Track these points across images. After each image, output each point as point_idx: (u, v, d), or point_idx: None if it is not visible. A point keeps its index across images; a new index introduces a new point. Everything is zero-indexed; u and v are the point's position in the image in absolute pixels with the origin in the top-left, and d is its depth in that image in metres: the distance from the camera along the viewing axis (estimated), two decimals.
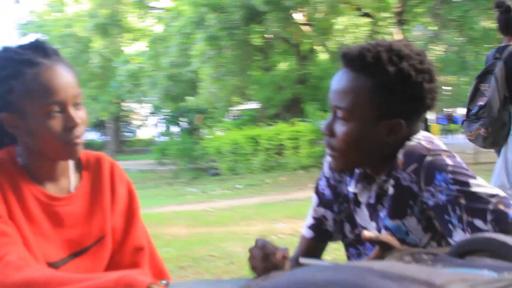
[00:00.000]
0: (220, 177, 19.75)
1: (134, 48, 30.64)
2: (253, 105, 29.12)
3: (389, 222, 1.60)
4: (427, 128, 29.27)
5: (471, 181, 1.45)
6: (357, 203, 1.73)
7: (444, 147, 1.57)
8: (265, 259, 1.49)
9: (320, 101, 28.63)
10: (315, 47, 23.70)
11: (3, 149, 1.68)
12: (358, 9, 19.37)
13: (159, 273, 1.84)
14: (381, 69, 1.50)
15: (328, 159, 1.81)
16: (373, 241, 1.38)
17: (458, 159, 1.52)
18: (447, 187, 1.45)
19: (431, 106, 1.57)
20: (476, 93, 3.46)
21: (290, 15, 19.06)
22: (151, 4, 29.92)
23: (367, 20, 22.29)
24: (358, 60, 1.53)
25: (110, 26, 26.96)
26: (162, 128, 34.87)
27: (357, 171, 1.71)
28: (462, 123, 3.58)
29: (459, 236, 1.43)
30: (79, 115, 1.62)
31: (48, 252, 1.61)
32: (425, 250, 1.35)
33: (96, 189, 1.76)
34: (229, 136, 20.61)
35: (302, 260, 1.48)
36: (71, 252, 1.67)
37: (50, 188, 1.68)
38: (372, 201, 1.67)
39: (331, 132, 1.60)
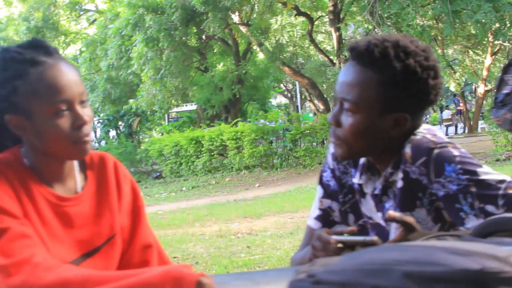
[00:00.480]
0: (164, 180, 19.64)
1: (70, 51, 30.05)
2: (191, 107, 29.04)
3: None
4: None
5: (479, 169, 1.53)
6: (363, 194, 1.78)
7: (446, 139, 1.65)
8: (325, 248, 1.51)
9: (259, 100, 28.90)
10: (252, 47, 23.83)
11: (8, 150, 1.64)
12: (295, 8, 19.54)
13: None
14: (388, 65, 1.55)
15: (331, 150, 1.87)
16: (397, 221, 1.44)
17: (463, 149, 1.60)
18: (457, 177, 1.52)
19: (435, 101, 1.64)
20: (501, 83, 3.80)
21: (228, 16, 19.08)
22: (86, 7, 29.40)
23: (303, 19, 22.56)
24: (365, 55, 1.58)
25: (45, 29, 26.30)
26: (100, 132, 34.29)
27: (361, 162, 1.77)
28: (490, 110, 3.95)
29: (472, 222, 1.50)
30: (86, 112, 1.60)
31: (60, 254, 1.57)
32: (449, 232, 1.43)
33: (103, 188, 1.74)
34: (171, 138, 20.48)
35: (336, 237, 1.49)
36: (83, 252, 1.64)
37: (58, 189, 1.65)
38: (377, 192, 1.73)
39: (337, 123, 1.65)
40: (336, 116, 1.66)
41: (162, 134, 25.74)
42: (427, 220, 1.64)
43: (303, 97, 34.70)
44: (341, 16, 19.57)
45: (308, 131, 17.30)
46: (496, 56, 23.24)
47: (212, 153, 18.76)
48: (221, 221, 8.89)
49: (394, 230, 1.67)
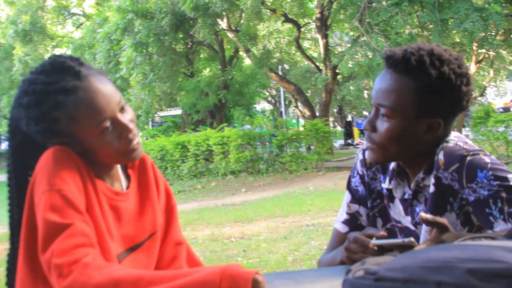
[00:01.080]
0: None
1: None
2: (175, 112, 29.00)
3: None
4: (351, 132, 29.91)
5: (509, 176, 1.59)
6: (391, 199, 1.85)
7: (477, 146, 1.72)
8: (363, 250, 1.57)
9: (244, 106, 28.96)
10: (239, 52, 23.91)
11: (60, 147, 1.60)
12: (284, 15, 19.65)
13: (196, 266, 1.89)
14: (424, 72, 1.62)
15: (360, 157, 1.94)
16: (430, 222, 1.49)
17: (493, 157, 1.67)
18: (489, 183, 1.59)
19: (467, 107, 1.70)
20: None
21: (217, 22, 19.14)
22: (73, 11, 29.30)
23: (289, 25, 22.68)
24: (402, 63, 1.65)
25: (32, 33, 26.11)
26: None
27: (390, 168, 1.84)
28: None
29: (500, 226, 1.56)
30: (127, 118, 1.62)
31: (111, 247, 1.59)
32: (483, 234, 1.50)
33: (144, 187, 1.79)
34: (156, 143, 20.43)
35: (375, 242, 1.55)
36: (127, 247, 1.68)
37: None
38: (407, 196, 1.79)
39: (373, 127, 1.72)
40: (371, 121, 1.72)
41: (147, 139, 25.68)
42: (456, 223, 1.70)
43: (286, 103, 34.82)
44: (328, 23, 19.70)
45: (294, 137, 17.38)
46: (480, 65, 23.49)
47: (198, 158, 18.75)
48: (212, 225, 8.91)
49: (424, 233, 1.73)
